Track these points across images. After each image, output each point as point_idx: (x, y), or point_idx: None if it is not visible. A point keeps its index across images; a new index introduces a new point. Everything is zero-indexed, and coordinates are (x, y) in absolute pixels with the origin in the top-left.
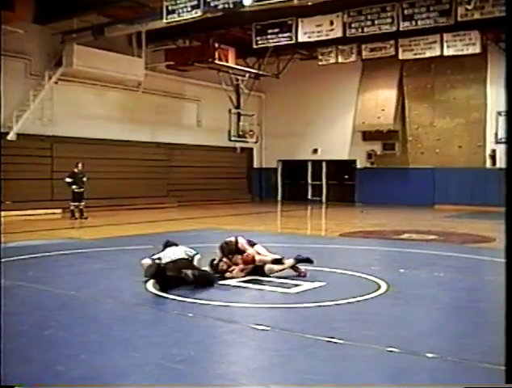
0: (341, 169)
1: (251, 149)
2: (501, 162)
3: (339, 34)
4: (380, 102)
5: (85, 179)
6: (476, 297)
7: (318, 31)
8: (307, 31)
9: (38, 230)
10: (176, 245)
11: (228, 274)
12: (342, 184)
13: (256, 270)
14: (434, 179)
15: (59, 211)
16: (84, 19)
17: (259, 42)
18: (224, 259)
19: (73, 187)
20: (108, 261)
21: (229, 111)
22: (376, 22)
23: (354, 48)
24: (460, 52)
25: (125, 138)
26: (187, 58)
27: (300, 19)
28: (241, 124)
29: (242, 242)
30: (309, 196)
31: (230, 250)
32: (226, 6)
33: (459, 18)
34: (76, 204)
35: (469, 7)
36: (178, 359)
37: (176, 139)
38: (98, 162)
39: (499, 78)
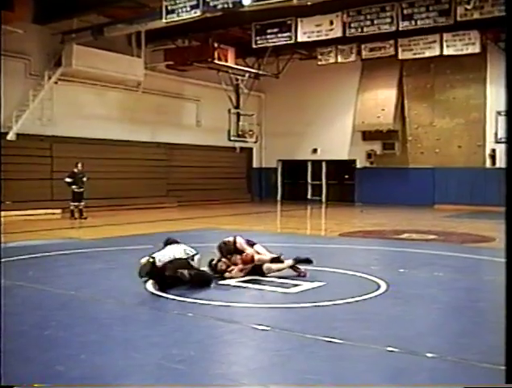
0: (340, 169)
1: (251, 149)
2: (500, 162)
3: (339, 34)
4: (380, 102)
5: (85, 179)
6: (476, 297)
7: (318, 31)
8: (306, 31)
9: (38, 230)
10: (177, 242)
11: (227, 274)
12: (342, 184)
13: (255, 270)
14: (433, 179)
15: (58, 211)
16: (84, 19)
17: (259, 42)
18: (223, 260)
19: (73, 187)
20: (108, 261)
21: (229, 110)
22: (376, 21)
23: (354, 48)
24: (460, 52)
25: (125, 138)
26: (187, 58)
27: (299, 19)
28: (240, 123)
29: (241, 242)
30: (309, 196)
31: (228, 250)
32: (225, 5)
33: (458, 18)
34: (76, 204)
35: (469, 7)
36: (178, 359)
37: (176, 139)
38: (98, 162)
39: (499, 78)
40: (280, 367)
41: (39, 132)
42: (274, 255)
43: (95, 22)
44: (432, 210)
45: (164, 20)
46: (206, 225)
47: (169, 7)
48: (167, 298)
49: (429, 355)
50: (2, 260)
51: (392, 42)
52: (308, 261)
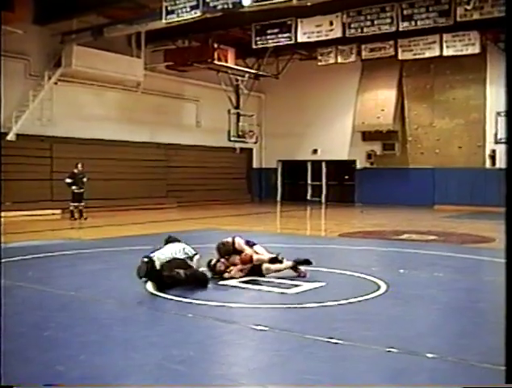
0: (340, 169)
1: (251, 150)
2: (500, 163)
3: (339, 34)
4: (380, 102)
5: (85, 179)
6: (476, 298)
7: (318, 32)
8: (306, 32)
9: (38, 231)
10: (178, 241)
11: (226, 275)
12: (342, 185)
13: (254, 270)
14: (433, 180)
15: (58, 211)
16: (83, 20)
17: (259, 42)
18: (222, 260)
19: (73, 187)
20: (108, 261)
21: (229, 111)
22: (376, 22)
23: (354, 49)
24: (460, 53)
25: (124, 139)
26: (187, 58)
27: (299, 20)
28: (240, 124)
29: (239, 243)
30: (309, 197)
31: (227, 250)
32: (225, 6)
33: (458, 19)
34: (76, 204)
35: (468, 7)
36: (177, 359)
37: (175, 139)
38: (98, 162)
39: (498, 79)
40: (279, 367)
41: (39, 132)
42: (273, 256)
43: (95, 22)
44: (432, 211)
45: (164, 21)
46: (206, 225)
47: (169, 8)
48: (167, 299)
49: (429, 355)
50: (2, 261)
51: (392, 42)
52: (307, 262)
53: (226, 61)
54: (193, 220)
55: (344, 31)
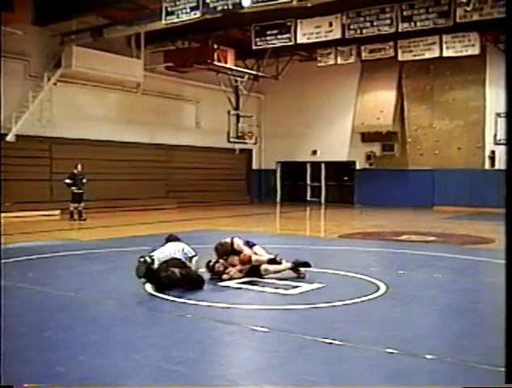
0: (340, 170)
1: (250, 151)
2: (500, 164)
3: (338, 35)
4: (379, 103)
5: (84, 180)
6: (475, 299)
7: (317, 33)
8: (306, 33)
9: (37, 232)
10: (179, 240)
11: (225, 276)
12: (341, 186)
13: (252, 271)
14: (433, 181)
15: (58, 212)
16: (83, 21)
17: (258, 43)
18: (221, 261)
19: (73, 188)
20: (107, 262)
21: (228, 112)
22: (375, 23)
23: (354, 50)
24: (459, 54)
25: (124, 139)
26: (186, 59)
27: (299, 21)
28: (240, 125)
29: (238, 243)
30: (308, 198)
31: (225, 251)
32: (225, 7)
33: (458, 20)
34: (75, 205)
35: (468, 8)
36: (177, 360)
37: (175, 140)
38: (97, 163)
39: (498, 80)
40: (279, 368)
41: (39, 133)
42: (272, 257)
43: (95, 23)
44: (431, 212)
45: (163, 22)
46: (205, 226)
47: (168, 9)
48: (166, 299)
49: (428, 356)
50: (2, 261)
51: (391, 43)
52: (306, 265)
53: (226, 62)
54: (192, 220)
55: (343, 32)
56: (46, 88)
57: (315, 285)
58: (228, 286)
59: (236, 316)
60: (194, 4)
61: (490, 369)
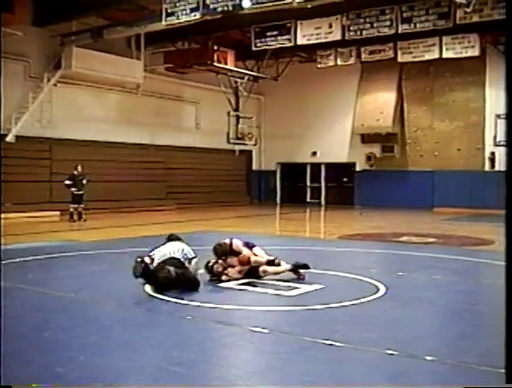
0: (340, 171)
1: (250, 152)
2: (500, 165)
3: (338, 37)
4: (379, 104)
5: (84, 181)
6: (475, 300)
7: (317, 34)
8: (306, 34)
9: (37, 233)
10: (179, 240)
11: (224, 277)
12: (341, 187)
13: (251, 272)
14: (433, 182)
15: (57, 213)
16: (83, 22)
17: (258, 44)
18: (220, 261)
19: (73, 189)
20: (107, 263)
21: (228, 113)
22: (375, 24)
23: (354, 51)
24: (459, 55)
25: (124, 140)
26: (186, 60)
27: (299, 22)
28: (239, 126)
29: (237, 244)
30: (308, 199)
31: (223, 251)
32: (225, 8)
33: (458, 21)
34: (75, 206)
35: (468, 10)
36: (177, 361)
37: (175, 141)
38: (97, 164)
39: (498, 81)
40: (279, 370)
41: (39, 134)
42: (271, 258)
43: (95, 24)
44: (431, 213)
45: (164, 23)
46: (205, 227)
47: (169, 10)
48: (166, 300)
49: (428, 358)
50: (2, 262)
51: (391, 45)
52: (305, 267)
53: (226, 63)
54: (192, 222)
55: (343, 34)
56: (46, 89)
57: (315, 287)
58: (227, 287)
59: (236, 317)
60: (194, 5)
61: (490, 370)
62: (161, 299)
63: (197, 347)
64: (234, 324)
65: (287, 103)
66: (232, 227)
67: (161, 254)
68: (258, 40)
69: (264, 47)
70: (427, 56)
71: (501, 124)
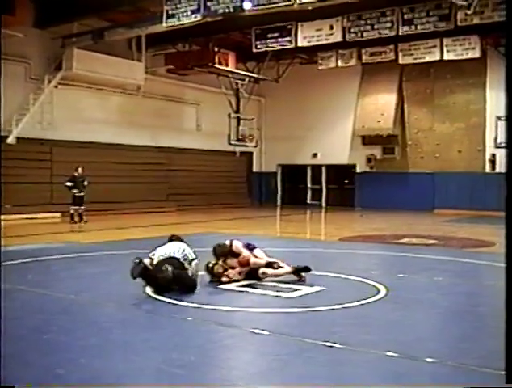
0: (340, 173)
1: (251, 154)
2: (500, 167)
3: (339, 38)
4: (380, 106)
5: (85, 182)
6: (476, 302)
7: (318, 36)
8: (306, 36)
9: (38, 234)
10: (181, 241)
11: (224, 278)
12: (342, 188)
13: (251, 274)
14: (433, 184)
15: (58, 215)
16: (84, 23)
17: (259, 46)
18: (220, 263)
19: (74, 190)
20: (108, 265)
21: (229, 115)
22: (376, 26)
23: (354, 53)
24: (460, 57)
25: (125, 142)
26: (187, 62)
27: (299, 24)
28: (240, 128)
29: (237, 246)
30: (309, 201)
31: (223, 251)
32: (226, 10)
33: (458, 23)
34: (76, 207)
35: (469, 12)
36: (177, 363)
37: (176, 143)
38: (98, 165)
39: (498, 83)
40: (279, 372)
41: (40, 135)
42: (271, 260)
43: (96, 26)
44: (432, 215)
45: (164, 24)
46: (206, 229)
47: (169, 12)
48: (166, 302)
49: (429, 360)
50: (2, 264)
51: (392, 47)
52: (306, 269)
53: (226, 65)
54: (193, 223)
55: (344, 36)
56: (47, 91)
57: (315, 288)
58: (228, 289)
59: (236, 319)
60: (195, 7)
61: (491, 372)
62: (161, 301)
63: (197, 349)
64: (234, 326)
65: (287, 104)
66: (232, 229)
67: (161, 253)
68: (258, 42)
69: (265, 49)
70: (428, 58)
71: (502, 125)
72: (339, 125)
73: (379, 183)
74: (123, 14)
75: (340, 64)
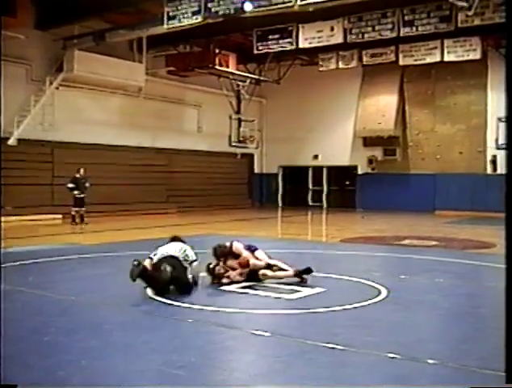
0: (341, 175)
1: (252, 155)
2: (501, 168)
3: (340, 40)
4: (381, 107)
5: (87, 184)
6: (477, 303)
7: (319, 37)
8: (307, 37)
9: (38, 236)
10: (183, 242)
11: (225, 279)
12: (343, 190)
13: (251, 275)
14: (434, 185)
15: (59, 216)
16: (85, 25)
17: (260, 48)
18: (221, 264)
19: (75, 192)
20: (108, 266)
21: (230, 116)
22: (377, 28)
23: (355, 54)
24: (461, 58)
25: (126, 144)
26: (188, 64)
27: (300, 25)
28: (241, 129)
29: (237, 247)
30: (310, 202)
31: (222, 252)
32: (227, 12)
33: (459, 24)
34: (77, 209)
35: (469, 13)
36: (178, 365)
37: (176, 145)
38: (99, 167)
39: (499, 84)
40: (280, 373)
41: (41, 137)
42: (271, 262)
43: (97, 27)
44: (433, 216)
45: (165, 26)
46: (206, 230)
47: (170, 13)
48: (167, 304)
49: (430, 361)
50: (3, 265)
51: (393, 48)
52: (308, 271)
53: (227, 67)
54: (194, 225)
55: (345, 37)
56: (48, 92)
57: (317, 290)
58: (229, 291)
59: (237, 320)
60: (195, 8)
61: (492, 373)
62: (161, 302)
63: (198, 351)
64: (235, 327)
65: (288, 106)
66: (233, 230)
67: (161, 252)
68: (259, 44)
69: (266, 50)
70: (429, 60)
71: (503, 127)
72: (340, 127)
73: (381, 185)
74: (124, 16)
75: (341, 65)
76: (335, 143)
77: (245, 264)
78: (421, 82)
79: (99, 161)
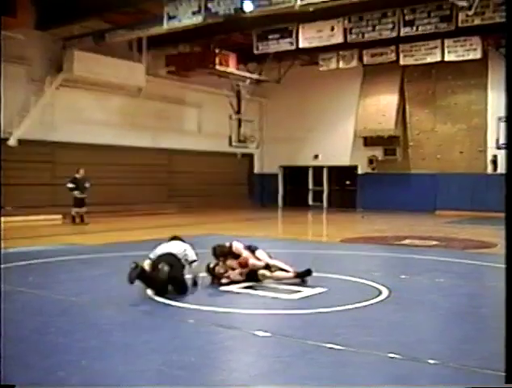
0: (342, 174)
1: (252, 155)
2: (502, 168)
3: (340, 39)
4: (381, 107)
5: (87, 184)
6: (478, 303)
7: (319, 37)
8: (308, 37)
9: (38, 236)
10: (183, 241)
11: (224, 280)
12: (343, 190)
13: (251, 275)
14: (435, 185)
15: (59, 217)
16: (85, 25)
17: (260, 48)
18: (221, 264)
19: (75, 192)
20: (108, 267)
21: (230, 116)
22: (377, 27)
23: (355, 54)
24: (461, 58)
25: (126, 144)
26: (188, 64)
27: (300, 25)
28: (241, 129)
29: (237, 246)
30: (310, 202)
31: (222, 251)
32: (227, 12)
33: (459, 24)
34: (77, 209)
35: (470, 13)
36: (178, 365)
37: (177, 145)
38: (99, 167)
39: (500, 84)
40: (281, 373)
41: (41, 137)
42: (270, 262)
43: (97, 27)
44: (433, 216)
45: (165, 26)
46: (207, 231)
47: (170, 13)
48: (167, 304)
49: (431, 361)
50: (3, 266)
51: (393, 48)
52: (308, 273)
53: (228, 67)
54: (194, 225)
55: (345, 37)
56: (48, 92)
57: (317, 290)
58: (229, 291)
59: (237, 321)
60: (195, 9)
61: (493, 373)
62: (161, 302)
63: (198, 351)
64: (235, 327)
65: (289, 105)
66: (234, 230)
67: (161, 250)
68: (259, 43)
69: (266, 50)
70: (429, 59)
71: (504, 126)
72: (340, 126)
73: (381, 185)
74: (124, 16)
75: (341, 65)
76: (335, 143)
77: (245, 264)
78: (422, 82)
79: (99, 161)
